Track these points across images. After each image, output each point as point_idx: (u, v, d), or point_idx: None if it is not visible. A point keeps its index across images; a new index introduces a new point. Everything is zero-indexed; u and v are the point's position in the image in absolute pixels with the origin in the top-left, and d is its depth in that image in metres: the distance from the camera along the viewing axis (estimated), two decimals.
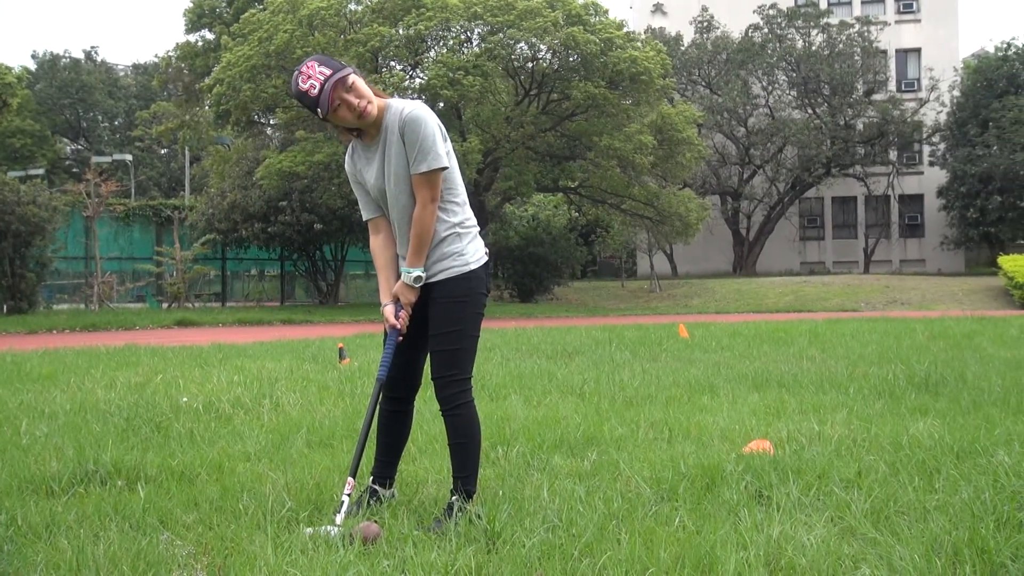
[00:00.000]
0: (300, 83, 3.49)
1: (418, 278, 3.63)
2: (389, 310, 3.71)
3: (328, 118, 3.56)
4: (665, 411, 6.04)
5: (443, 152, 3.55)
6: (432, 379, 3.70)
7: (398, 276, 3.73)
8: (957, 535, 3.21)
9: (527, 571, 3.03)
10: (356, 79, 3.52)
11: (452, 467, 3.70)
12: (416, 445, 4.96)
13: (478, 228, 3.81)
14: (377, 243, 3.83)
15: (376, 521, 3.47)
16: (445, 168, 3.57)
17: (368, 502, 3.81)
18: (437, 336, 3.67)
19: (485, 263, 3.76)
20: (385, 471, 3.92)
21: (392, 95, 4.00)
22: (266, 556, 3.12)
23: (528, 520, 3.47)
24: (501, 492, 3.88)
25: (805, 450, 4.67)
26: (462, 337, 3.67)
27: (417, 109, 3.57)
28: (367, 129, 3.65)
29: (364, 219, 3.85)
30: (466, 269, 3.67)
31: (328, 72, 3.46)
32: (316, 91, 3.46)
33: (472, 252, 3.71)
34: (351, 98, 3.51)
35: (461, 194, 3.74)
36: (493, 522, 3.38)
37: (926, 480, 4.05)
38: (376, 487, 3.87)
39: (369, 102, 3.54)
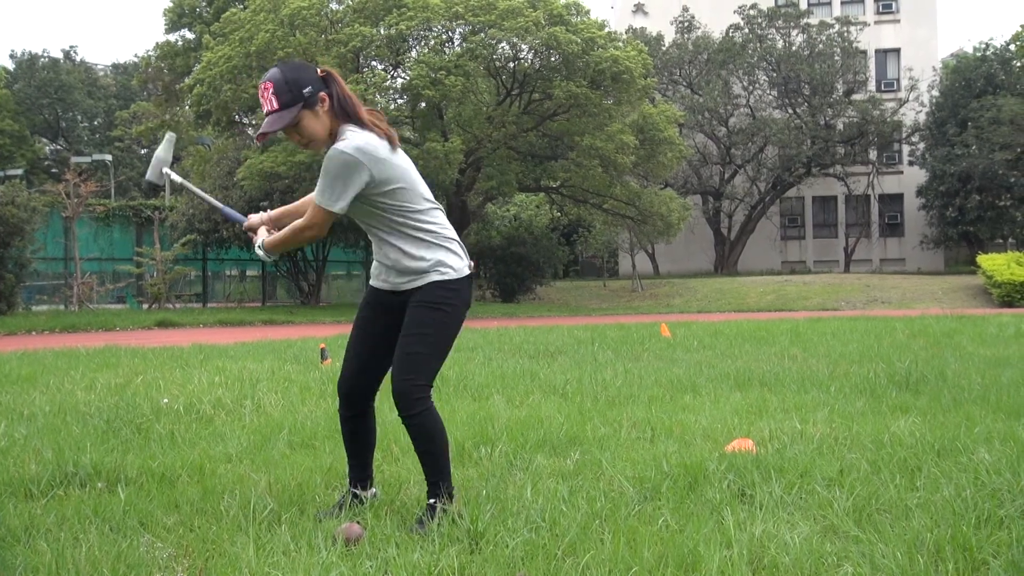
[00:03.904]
0: (260, 95, 3.54)
1: (258, 248, 3.81)
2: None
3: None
4: (648, 410, 6.05)
5: (335, 196, 3.45)
6: (391, 381, 3.63)
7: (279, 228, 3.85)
8: (939, 533, 3.22)
9: (510, 571, 3.02)
10: (304, 119, 3.49)
11: (424, 474, 3.65)
12: (399, 446, 4.94)
13: (457, 242, 3.74)
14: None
15: (359, 522, 3.46)
16: (328, 211, 3.49)
17: (350, 504, 3.78)
18: (403, 337, 3.62)
19: (467, 276, 3.70)
20: (362, 473, 3.88)
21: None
22: (248, 557, 3.10)
23: (511, 520, 3.46)
24: (484, 492, 3.87)
25: (787, 449, 4.68)
26: (425, 342, 3.59)
27: (337, 148, 3.44)
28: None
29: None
30: (441, 278, 3.62)
31: (277, 107, 3.47)
32: (264, 112, 3.52)
33: (450, 265, 3.64)
34: (294, 135, 3.56)
35: (428, 223, 3.63)
36: (476, 522, 3.37)
37: (908, 478, 4.06)
38: (356, 491, 3.85)
39: (311, 141, 3.56)
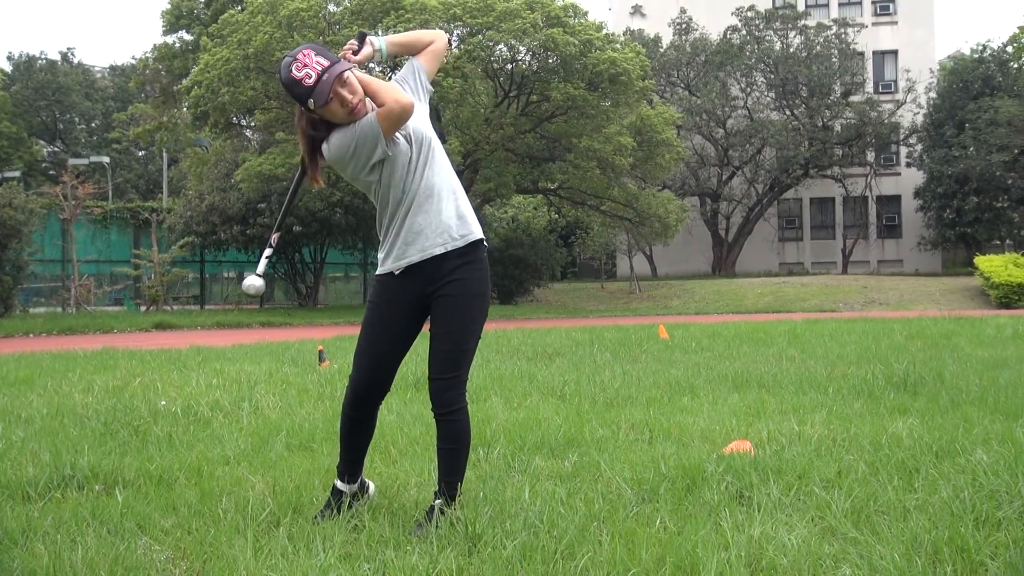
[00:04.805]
0: (293, 71, 3.35)
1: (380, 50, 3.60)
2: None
3: (317, 111, 3.42)
4: (646, 412, 6.04)
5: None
6: (431, 379, 3.57)
7: None
8: (937, 534, 3.22)
9: (508, 573, 3.02)
10: (351, 74, 3.41)
11: (440, 471, 3.59)
12: (397, 448, 4.94)
13: None
14: None
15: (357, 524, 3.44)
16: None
17: (350, 504, 3.73)
18: (447, 334, 3.52)
19: None
20: (353, 467, 3.80)
21: None
22: (245, 560, 3.10)
23: (509, 522, 3.46)
24: (482, 494, 3.86)
25: (785, 450, 4.68)
26: (473, 336, 3.57)
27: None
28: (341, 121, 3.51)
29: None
30: (482, 237, 3.65)
31: (326, 63, 3.35)
32: (312, 80, 3.33)
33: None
34: (345, 93, 3.39)
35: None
36: (474, 524, 3.36)
37: (906, 480, 4.06)
38: (341, 485, 3.77)
39: (361, 99, 3.43)
